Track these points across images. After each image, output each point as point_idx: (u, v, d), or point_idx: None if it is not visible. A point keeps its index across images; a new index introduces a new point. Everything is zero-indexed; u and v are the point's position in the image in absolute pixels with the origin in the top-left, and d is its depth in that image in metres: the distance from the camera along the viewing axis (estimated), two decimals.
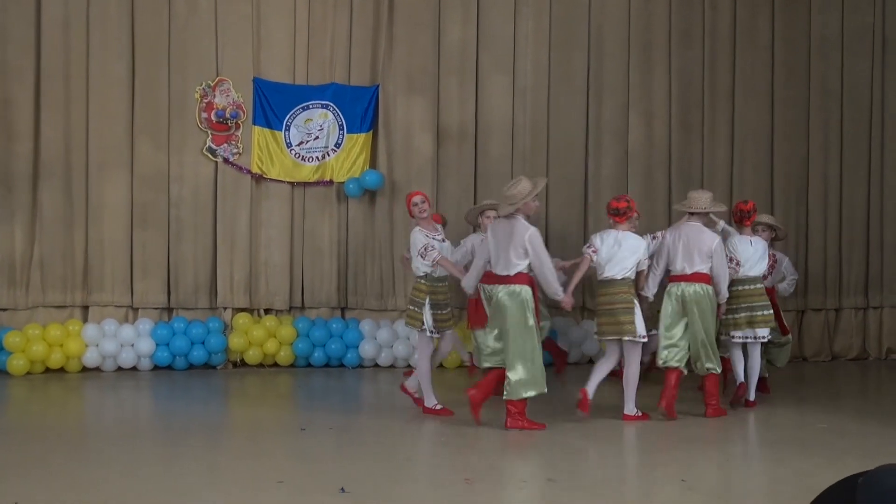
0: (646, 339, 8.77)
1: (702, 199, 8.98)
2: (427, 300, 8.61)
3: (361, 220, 11.88)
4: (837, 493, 3.80)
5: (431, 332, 8.64)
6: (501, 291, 8.13)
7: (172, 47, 11.48)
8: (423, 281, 8.66)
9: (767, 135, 12.74)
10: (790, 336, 10.09)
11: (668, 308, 8.85)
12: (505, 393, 8.17)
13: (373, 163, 11.91)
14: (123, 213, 11.38)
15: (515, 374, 8.07)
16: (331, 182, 11.82)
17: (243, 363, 11.43)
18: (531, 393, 8.13)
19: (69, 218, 11.17)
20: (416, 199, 8.73)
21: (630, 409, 8.68)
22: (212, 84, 11.57)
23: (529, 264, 8.11)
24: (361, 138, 11.87)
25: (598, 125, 12.42)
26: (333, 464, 7.08)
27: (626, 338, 8.58)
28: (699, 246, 8.78)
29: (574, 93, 12.34)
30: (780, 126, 12.76)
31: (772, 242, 9.97)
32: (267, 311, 11.67)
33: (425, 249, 8.55)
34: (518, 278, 8.08)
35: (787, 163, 12.77)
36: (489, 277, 8.40)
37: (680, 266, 8.84)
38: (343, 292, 11.87)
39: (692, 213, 8.98)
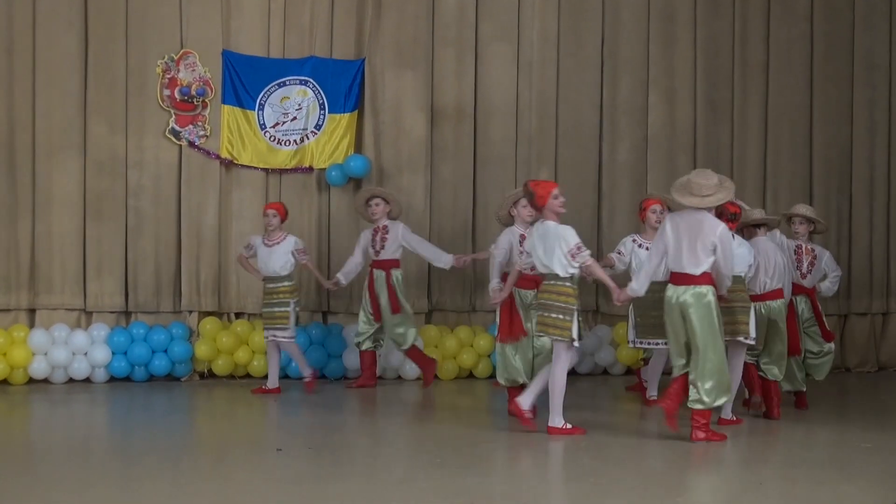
0: None
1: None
2: (577, 306, 8.53)
3: (345, 211, 11.87)
4: None
5: (579, 342, 8.56)
6: (684, 293, 8.21)
7: (130, 16, 11.50)
8: (569, 284, 8.53)
9: (805, 116, 12.76)
10: (832, 344, 10.06)
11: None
12: (694, 404, 8.29)
13: (358, 147, 11.95)
14: (75, 204, 11.39)
15: (707, 382, 8.18)
16: (310, 169, 11.86)
17: (211, 374, 11.41)
18: (722, 401, 8.38)
19: (13, 209, 11.19)
20: (556, 191, 8.69)
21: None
22: (175, 57, 11.58)
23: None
24: (345, 119, 11.91)
25: (614, 104, 12.44)
26: (314, 488, 7.02)
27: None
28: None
29: (586, 67, 12.37)
30: (820, 106, 12.77)
31: (810, 236, 9.98)
32: (238, 315, 11.68)
33: (578, 249, 8.47)
34: (703, 278, 8.20)
35: (827, 147, 12.78)
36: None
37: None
38: (324, 294, 11.86)
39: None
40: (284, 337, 10.51)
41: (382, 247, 10.87)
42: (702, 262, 8.15)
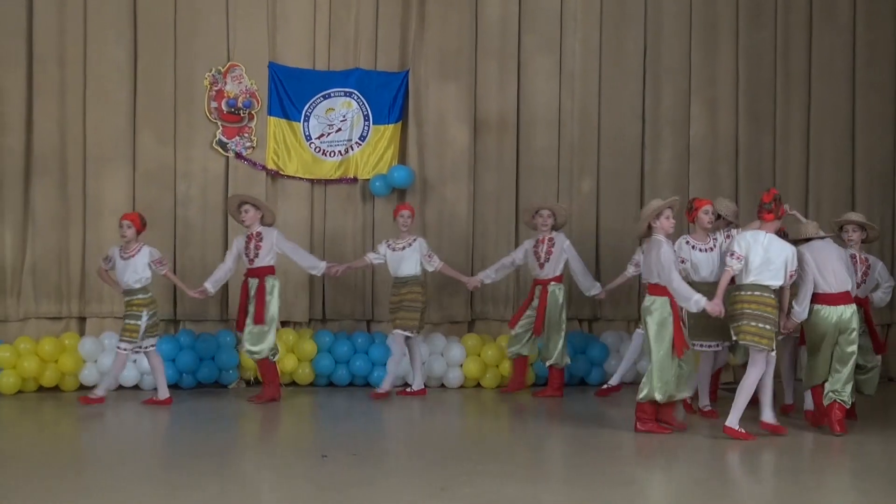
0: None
1: None
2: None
3: (389, 222, 11.76)
4: None
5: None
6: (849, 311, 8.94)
7: (178, 29, 11.60)
8: (773, 296, 8.78)
9: (848, 125, 12.60)
10: (879, 357, 9.80)
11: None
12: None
13: (402, 157, 11.96)
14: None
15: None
16: (355, 179, 11.86)
17: (257, 381, 11.34)
18: None
19: (64, 219, 11.26)
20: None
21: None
22: (222, 70, 11.63)
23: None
24: (389, 130, 11.89)
25: (656, 114, 12.36)
26: (358, 495, 7.01)
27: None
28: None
29: (628, 77, 12.30)
30: (863, 115, 12.61)
31: (862, 244, 9.77)
32: (284, 324, 11.58)
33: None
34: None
35: (870, 156, 12.61)
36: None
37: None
38: (369, 303, 11.90)
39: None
40: (120, 348, 10.06)
41: (256, 254, 10.45)
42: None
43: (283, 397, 10.66)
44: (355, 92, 11.81)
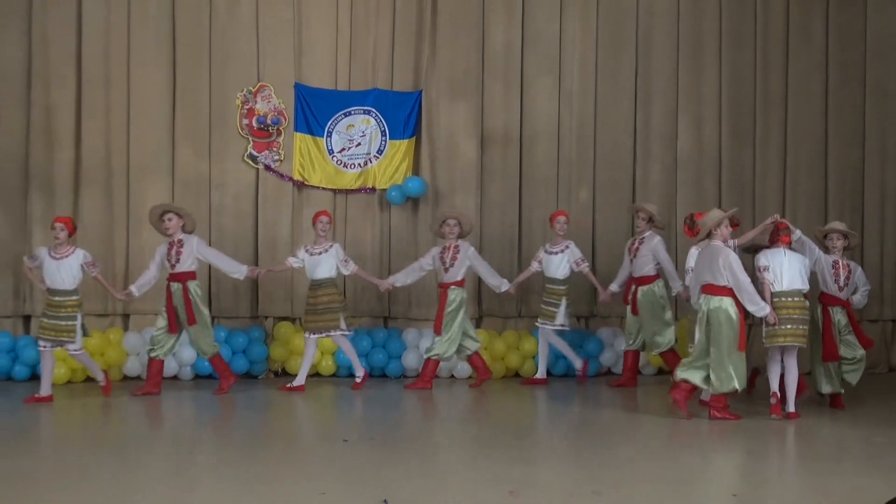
0: None
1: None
2: None
3: (404, 227, 11.93)
4: None
5: None
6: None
7: (213, 53, 11.65)
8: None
9: (821, 140, 12.63)
10: (864, 351, 9.91)
11: None
12: None
13: (416, 169, 11.99)
14: None
15: None
16: (373, 189, 11.90)
17: (284, 372, 11.47)
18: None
19: (110, 225, 11.34)
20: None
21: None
22: (253, 90, 11.69)
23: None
24: (404, 144, 11.94)
25: (647, 130, 12.39)
26: (375, 475, 7.09)
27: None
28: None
29: (621, 96, 12.33)
30: (835, 131, 12.64)
31: (844, 251, 9.84)
32: None
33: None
34: None
35: (841, 169, 12.65)
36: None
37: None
38: (386, 301, 11.90)
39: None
40: (75, 350, 9.88)
41: (178, 260, 10.18)
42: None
43: (308, 387, 10.67)
44: (373, 110, 11.86)
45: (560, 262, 10.99)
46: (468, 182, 12.01)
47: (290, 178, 11.75)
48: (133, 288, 10.38)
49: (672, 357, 10.80)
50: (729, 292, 8.94)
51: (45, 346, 9.78)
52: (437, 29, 12.00)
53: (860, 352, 9.85)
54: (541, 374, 11.21)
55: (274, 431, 9.12)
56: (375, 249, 11.88)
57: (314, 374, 11.40)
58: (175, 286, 10.24)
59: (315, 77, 11.87)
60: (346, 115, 11.86)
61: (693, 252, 9.71)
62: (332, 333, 10.68)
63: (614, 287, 11.18)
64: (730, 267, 8.91)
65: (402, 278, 11.11)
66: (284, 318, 11.73)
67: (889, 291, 12.61)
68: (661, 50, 12.40)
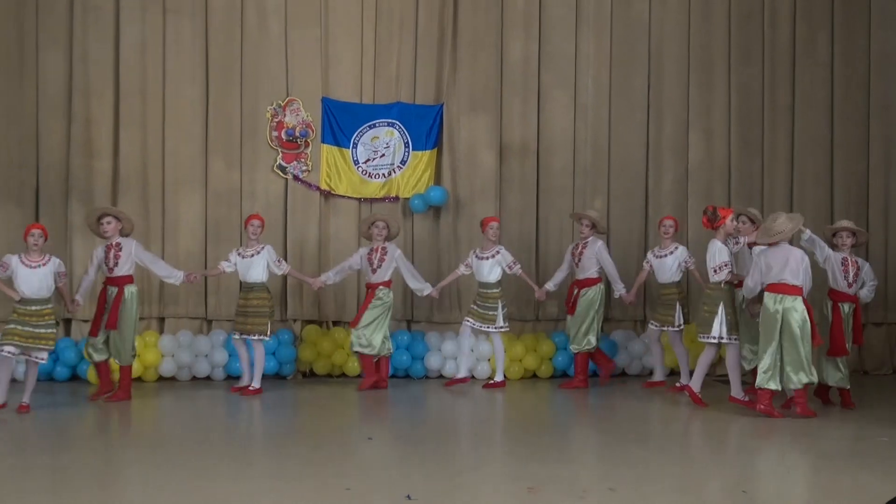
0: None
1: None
2: None
3: (427, 234, 11.92)
4: None
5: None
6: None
7: (244, 69, 11.67)
8: None
9: (827, 150, 12.56)
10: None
11: None
12: None
13: (437, 179, 11.99)
14: (198, 228, 11.57)
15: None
16: (397, 198, 11.91)
17: (312, 374, 11.47)
18: None
19: (146, 233, 11.31)
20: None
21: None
22: (282, 104, 11.70)
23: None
24: (426, 155, 11.93)
25: (659, 142, 12.35)
26: (399, 472, 7.10)
27: None
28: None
29: (634, 109, 12.30)
30: (840, 141, 12.56)
31: (852, 248, 9.79)
32: (335, 324, 11.74)
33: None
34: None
35: (846, 178, 12.58)
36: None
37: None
38: (409, 305, 11.90)
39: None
40: (43, 359, 9.21)
41: (116, 264, 9.74)
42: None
43: (334, 386, 10.68)
44: (397, 122, 11.86)
45: (491, 267, 10.83)
46: (487, 191, 12.01)
47: (318, 188, 11.76)
48: (78, 297, 9.80)
49: (601, 357, 11.01)
50: (801, 291, 8.96)
51: (11, 353, 9.02)
52: (458, 46, 12.02)
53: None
54: (499, 376, 11.02)
55: (302, 430, 9.12)
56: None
57: (340, 375, 11.39)
58: (112, 289, 9.79)
59: (341, 91, 11.88)
60: (370, 127, 11.86)
61: (719, 247, 9.49)
62: (254, 337, 10.34)
63: (550, 286, 11.15)
64: (807, 268, 8.99)
65: (332, 277, 10.93)
66: (312, 322, 11.70)
67: (893, 296, 12.50)
68: (672, 66, 12.37)
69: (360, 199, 11.85)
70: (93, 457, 7.59)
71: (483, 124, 12.03)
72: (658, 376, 11.14)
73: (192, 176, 11.56)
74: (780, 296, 8.94)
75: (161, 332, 11.42)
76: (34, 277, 9.09)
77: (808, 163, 12.49)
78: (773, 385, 9.01)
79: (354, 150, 11.84)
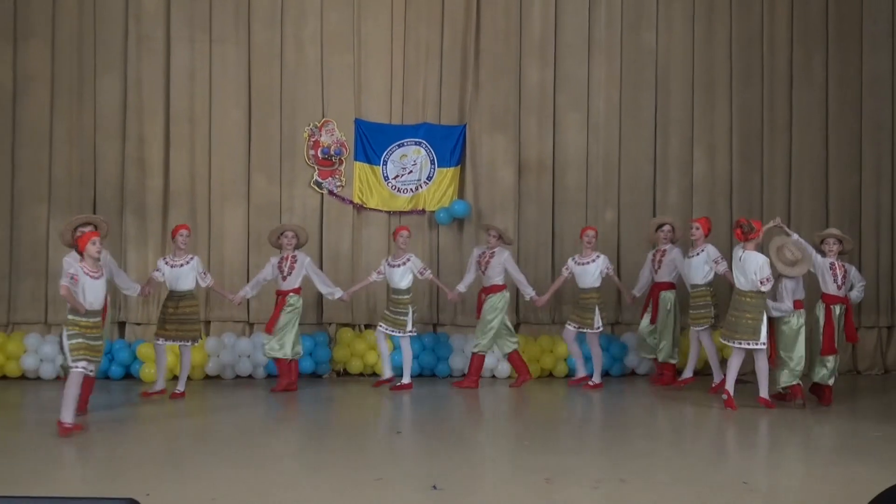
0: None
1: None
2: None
3: (451, 244, 11.94)
4: None
5: None
6: None
7: (284, 93, 11.75)
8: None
9: (822, 166, 12.45)
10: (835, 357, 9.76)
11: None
12: None
13: (461, 193, 12.00)
14: (241, 240, 11.66)
15: None
16: (423, 211, 11.93)
17: (346, 373, 11.51)
18: None
19: (194, 243, 11.29)
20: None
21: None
22: (318, 125, 11.78)
23: None
24: (450, 172, 11.96)
25: (665, 158, 12.30)
26: (426, 464, 7.14)
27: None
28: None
29: (642, 128, 12.26)
30: (835, 158, 12.45)
31: (840, 255, 9.78)
32: (367, 326, 11.75)
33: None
34: None
35: (840, 192, 12.46)
36: None
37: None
38: (435, 309, 11.91)
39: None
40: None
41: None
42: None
43: (366, 383, 10.69)
44: (423, 141, 11.87)
45: (403, 274, 10.60)
46: (507, 204, 12.01)
47: (351, 202, 11.82)
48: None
49: (516, 358, 10.88)
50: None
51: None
52: (480, 71, 12.02)
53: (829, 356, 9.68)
54: (405, 378, 10.70)
55: (336, 424, 9.19)
56: (426, 263, 11.66)
57: (372, 374, 11.44)
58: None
59: (372, 113, 11.93)
60: (399, 146, 11.90)
61: (764, 260, 9.44)
62: (188, 343, 10.00)
63: (461, 288, 10.92)
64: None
65: (249, 291, 10.60)
66: (346, 325, 11.77)
67: (884, 301, 12.42)
68: (678, 88, 12.33)
69: (390, 212, 11.87)
70: (141, 449, 7.67)
71: (502, 143, 12.03)
72: (580, 372, 10.98)
73: (236, 191, 11.64)
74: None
75: (207, 334, 11.45)
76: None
77: (805, 177, 12.41)
78: (795, 382, 9.49)
79: (384, 167, 11.88)
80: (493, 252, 10.78)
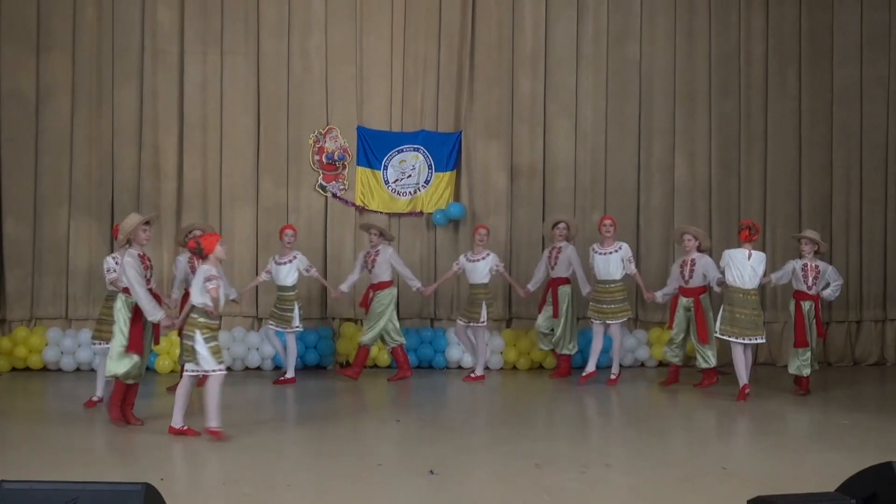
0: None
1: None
2: None
3: (447, 244, 11.90)
4: (875, 474, 3.73)
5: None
6: None
7: (290, 102, 11.71)
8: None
9: (796, 171, 12.44)
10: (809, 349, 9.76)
11: None
12: None
13: (457, 196, 11.96)
14: (250, 240, 11.62)
15: None
16: (421, 213, 11.90)
17: (349, 364, 11.45)
18: None
19: None
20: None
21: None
22: (323, 132, 11.75)
23: None
24: (447, 176, 11.93)
25: (649, 164, 12.27)
26: (424, 450, 7.12)
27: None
28: None
29: (628, 136, 12.23)
30: (807, 164, 12.44)
31: (815, 255, 9.79)
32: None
33: None
34: None
35: (812, 196, 12.45)
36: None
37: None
38: (432, 305, 11.88)
39: None
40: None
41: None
42: None
43: (367, 374, 10.67)
44: (421, 147, 11.85)
45: (288, 272, 10.37)
46: (500, 207, 11.98)
47: (353, 204, 11.79)
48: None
49: (400, 353, 10.66)
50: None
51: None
52: (474, 81, 12.00)
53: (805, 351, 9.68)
54: (289, 373, 10.45)
55: (339, 413, 9.14)
56: (424, 263, 11.84)
57: (372, 366, 11.39)
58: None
59: (374, 121, 11.90)
60: (399, 151, 11.87)
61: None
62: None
63: (344, 288, 10.71)
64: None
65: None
66: (349, 320, 11.74)
67: (854, 298, 12.42)
68: (661, 98, 12.30)
69: (390, 213, 11.84)
70: (157, 437, 7.65)
71: (496, 149, 12.00)
72: (479, 371, 10.77)
73: (246, 194, 11.61)
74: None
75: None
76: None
77: (779, 182, 12.39)
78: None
79: (385, 171, 11.86)
80: (378, 250, 10.61)
